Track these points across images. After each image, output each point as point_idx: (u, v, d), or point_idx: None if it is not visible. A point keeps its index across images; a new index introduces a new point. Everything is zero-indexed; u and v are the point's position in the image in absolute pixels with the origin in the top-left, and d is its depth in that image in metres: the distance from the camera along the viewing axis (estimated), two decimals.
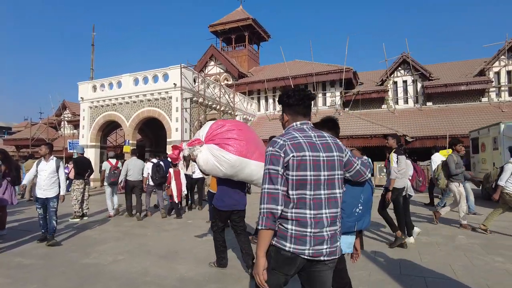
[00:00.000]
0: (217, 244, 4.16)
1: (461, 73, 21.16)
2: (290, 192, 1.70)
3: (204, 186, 10.16)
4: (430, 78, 20.68)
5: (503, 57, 19.86)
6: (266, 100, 24.87)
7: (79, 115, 21.63)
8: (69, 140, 19.97)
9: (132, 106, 17.61)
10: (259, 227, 1.69)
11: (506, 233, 5.86)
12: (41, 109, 60.83)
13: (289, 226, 1.70)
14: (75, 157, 8.33)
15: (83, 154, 8.46)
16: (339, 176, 1.81)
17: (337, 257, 1.77)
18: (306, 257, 1.69)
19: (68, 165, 10.26)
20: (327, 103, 22.97)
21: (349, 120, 20.05)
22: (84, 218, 7.93)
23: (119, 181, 8.07)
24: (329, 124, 2.44)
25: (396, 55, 21.95)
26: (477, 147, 11.17)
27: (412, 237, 5.30)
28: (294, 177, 1.68)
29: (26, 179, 5.93)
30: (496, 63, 19.99)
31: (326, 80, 22.43)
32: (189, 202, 9.64)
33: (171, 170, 8.24)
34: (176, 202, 8.08)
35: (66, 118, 28.51)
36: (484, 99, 19.85)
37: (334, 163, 1.77)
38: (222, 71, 26.35)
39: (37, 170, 5.62)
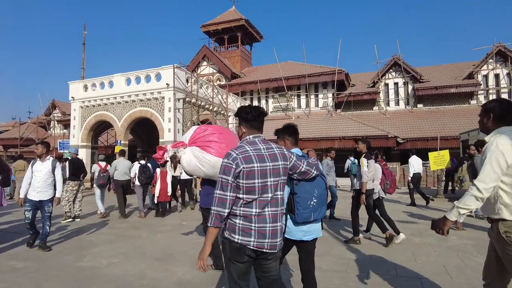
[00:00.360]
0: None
1: (451, 75, 21.54)
2: (241, 195, 2.03)
3: (193, 188, 10.35)
4: (421, 80, 21.00)
5: (491, 60, 20.28)
6: (259, 101, 24.88)
7: (69, 115, 21.31)
8: (60, 140, 19.65)
9: (124, 106, 17.43)
10: (209, 225, 2.00)
11: None
12: (30, 108, 59.60)
13: (237, 221, 2.04)
14: (70, 158, 8.23)
15: (77, 155, 8.39)
16: (282, 181, 2.17)
17: (276, 251, 2.10)
18: (251, 247, 2.01)
19: (65, 164, 10.42)
20: (319, 104, 23.11)
21: (341, 122, 20.22)
22: (77, 219, 7.82)
23: (109, 181, 8.53)
24: (290, 130, 2.78)
25: (390, 56, 22.22)
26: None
27: (401, 233, 5.45)
28: (244, 185, 2.01)
29: (24, 187, 5.23)
30: (485, 67, 20.41)
31: (319, 81, 22.56)
32: (178, 202, 9.72)
33: (158, 170, 8.44)
34: (156, 202, 8.33)
35: (56, 118, 28.06)
36: (473, 102, 20.24)
37: (279, 171, 2.13)
38: (214, 71, 26.29)
39: (32, 171, 5.22)
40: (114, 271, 4.19)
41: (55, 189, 5.34)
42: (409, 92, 21.61)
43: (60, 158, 17.24)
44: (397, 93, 22.07)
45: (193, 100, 17.26)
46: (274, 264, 2.14)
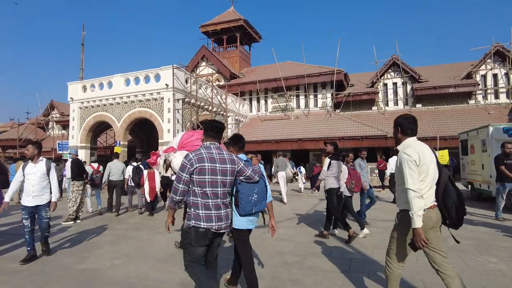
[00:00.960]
0: None
1: (449, 75, 21.59)
2: (196, 188, 2.68)
3: None
4: (420, 80, 21.04)
5: (489, 60, 20.34)
6: (258, 101, 24.90)
7: (68, 115, 21.30)
8: (58, 141, 19.62)
9: (123, 107, 17.43)
10: (168, 204, 2.99)
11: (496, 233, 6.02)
12: (28, 108, 59.56)
13: (200, 211, 2.67)
14: (72, 159, 8.52)
15: (77, 155, 8.67)
16: (230, 180, 2.81)
17: (228, 230, 2.86)
18: (213, 230, 2.68)
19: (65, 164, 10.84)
20: (318, 104, 23.13)
21: (340, 122, 20.25)
22: (77, 221, 7.82)
23: (103, 181, 9.06)
24: (235, 140, 3.42)
25: (389, 56, 22.23)
26: (467, 149, 11.41)
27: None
28: (197, 179, 2.66)
29: (11, 190, 4.82)
30: (483, 67, 20.47)
31: (318, 81, 22.58)
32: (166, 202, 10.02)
33: (145, 172, 8.95)
34: (149, 201, 8.78)
35: (54, 119, 27.98)
36: (471, 102, 20.30)
37: (227, 171, 2.77)
38: (213, 71, 26.29)
39: (23, 175, 4.80)
40: (116, 273, 4.19)
41: (51, 192, 4.95)
42: (408, 92, 21.65)
43: (59, 159, 17.22)
44: (396, 93, 22.11)
45: (192, 101, 17.27)
46: (220, 240, 2.91)
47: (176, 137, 4.72)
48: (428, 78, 21.38)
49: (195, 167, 2.63)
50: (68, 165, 12.16)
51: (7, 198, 4.74)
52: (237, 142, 3.39)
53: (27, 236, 4.70)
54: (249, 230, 3.20)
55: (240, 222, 3.06)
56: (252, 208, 2.97)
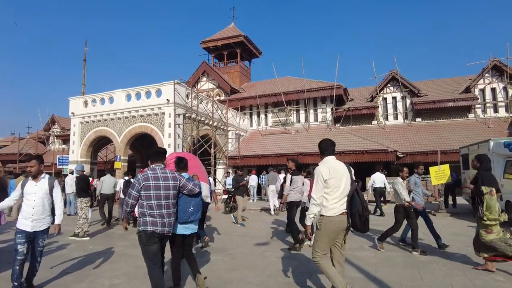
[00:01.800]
0: None
1: (448, 90, 21.75)
2: (144, 202, 3.41)
3: None
4: (419, 94, 21.18)
5: (487, 75, 20.52)
6: (258, 116, 25.01)
7: (68, 130, 21.33)
8: (59, 156, 19.59)
9: (124, 122, 17.49)
10: (123, 215, 3.93)
11: None
12: (29, 123, 59.81)
13: (148, 218, 3.41)
14: (79, 174, 8.74)
15: (83, 171, 8.89)
16: (173, 193, 3.58)
17: (170, 234, 3.61)
18: (158, 232, 3.40)
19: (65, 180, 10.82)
20: (318, 119, 23.22)
21: (340, 136, 20.24)
22: (77, 238, 7.73)
23: (96, 195, 9.64)
24: (177, 162, 4.30)
25: (388, 70, 22.45)
26: (467, 163, 11.38)
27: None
28: (144, 194, 3.42)
29: (4, 203, 4.19)
30: (481, 81, 20.64)
31: (317, 96, 22.73)
32: None
33: None
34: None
35: (55, 133, 28.03)
36: (471, 115, 20.37)
37: (169, 186, 3.53)
38: (214, 86, 26.51)
39: (23, 194, 4.12)
40: None
41: (53, 214, 4.26)
42: (407, 106, 21.76)
43: (58, 174, 17.16)
44: (395, 107, 22.22)
45: (193, 116, 17.34)
46: (166, 241, 3.71)
47: None
48: (427, 92, 21.53)
49: (142, 185, 3.38)
50: (67, 180, 12.09)
51: None
52: (178, 163, 4.27)
53: (17, 267, 3.94)
54: (184, 235, 3.90)
55: (177, 228, 3.77)
56: (189, 217, 3.77)
